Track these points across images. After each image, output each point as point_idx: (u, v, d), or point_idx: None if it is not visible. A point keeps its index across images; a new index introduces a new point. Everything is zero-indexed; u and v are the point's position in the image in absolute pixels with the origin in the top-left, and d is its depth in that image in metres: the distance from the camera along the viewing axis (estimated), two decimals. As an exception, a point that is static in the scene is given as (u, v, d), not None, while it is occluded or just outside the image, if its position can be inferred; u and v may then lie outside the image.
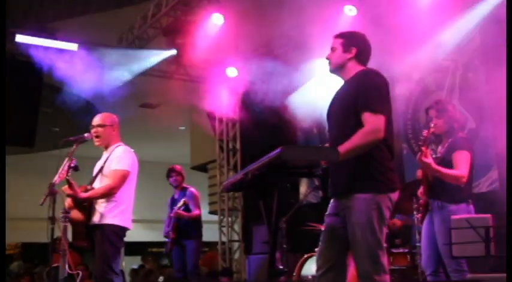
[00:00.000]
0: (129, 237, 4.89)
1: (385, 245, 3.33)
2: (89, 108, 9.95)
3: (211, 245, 12.77)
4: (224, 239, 11.09)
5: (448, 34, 7.35)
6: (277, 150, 2.76)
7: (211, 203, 12.67)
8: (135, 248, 16.78)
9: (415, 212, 5.54)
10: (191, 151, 14.39)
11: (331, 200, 3.48)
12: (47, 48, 8.91)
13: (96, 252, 4.69)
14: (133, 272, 13.20)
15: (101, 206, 4.75)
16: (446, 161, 4.74)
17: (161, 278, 11.26)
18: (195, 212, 7.46)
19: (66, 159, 4.77)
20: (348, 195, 3.28)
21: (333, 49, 3.61)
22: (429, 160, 4.65)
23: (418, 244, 5.63)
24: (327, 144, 3.52)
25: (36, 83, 8.97)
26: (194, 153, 14.22)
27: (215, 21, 9.01)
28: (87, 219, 4.74)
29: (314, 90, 9.20)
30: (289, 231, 7.09)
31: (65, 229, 4.92)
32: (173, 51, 9.63)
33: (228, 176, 10.89)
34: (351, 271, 3.54)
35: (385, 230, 3.29)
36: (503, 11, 6.21)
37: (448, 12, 7.32)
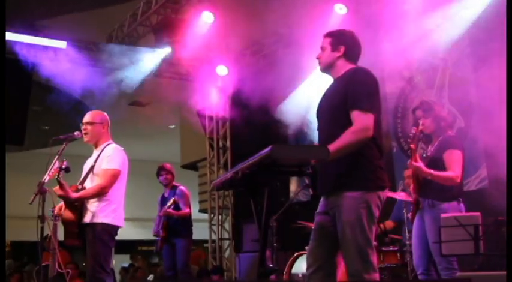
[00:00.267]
0: (119, 235, 4.88)
1: (374, 243, 3.34)
2: (78, 106, 9.91)
3: (198, 243, 12.77)
4: (214, 237, 11.08)
5: (438, 33, 7.37)
6: (268, 148, 2.76)
7: (201, 202, 12.66)
8: (125, 247, 16.76)
9: (405, 211, 5.57)
10: (181, 149, 14.37)
11: (321, 198, 3.49)
12: (35, 46, 8.87)
13: (88, 251, 4.68)
14: (123, 270, 13.17)
15: (92, 205, 4.74)
16: (436, 160, 4.76)
17: (151, 277, 11.26)
18: (185, 210, 7.46)
19: (56, 157, 4.76)
20: (337, 193, 3.29)
21: (322, 48, 3.62)
22: (419, 164, 4.68)
23: (408, 242, 5.66)
24: (317, 143, 3.53)
25: (26, 81, 8.92)
26: (184, 151, 14.20)
27: (205, 19, 9.00)
28: (78, 219, 4.74)
29: (304, 89, 9.24)
30: (280, 229, 7.09)
31: (54, 228, 4.91)
32: (168, 49, 9.58)
33: (218, 175, 10.88)
34: (341, 269, 3.55)
35: (374, 229, 3.30)
36: (494, 9, 6.25)
37: (438, 10, 7.35)
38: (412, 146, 4.72)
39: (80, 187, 4.81)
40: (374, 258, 3.24)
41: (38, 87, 9.45)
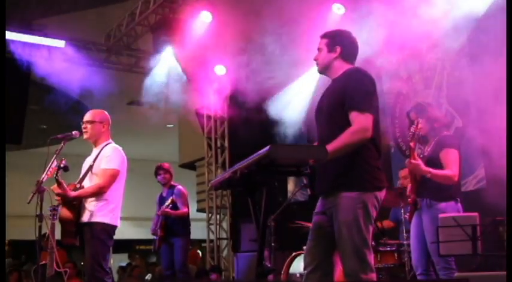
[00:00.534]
0: (117, 234, 4.89)
1: (372, 243, 3.34)
2: (76, 106, 9.92)
3: (195, 243, 12.78)
4: (212, 236, 11.08)
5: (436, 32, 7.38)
6: (266, 148, 2.76)
7: (199, 201, 12.65)
8: (123, 246, 16.75)
9: (402, 211, 5.57)
10: (179, 149, 14.36)
11: (319, 198, 3.50)
12: (33, 45, 8.87)
13: (86, 250, 4.68)
14: (121, 269, 13.17)
15: (90, 204, 4.74)
16: (433, 159, 4.77)
17: (149, 276, 11.27)
18: (183, 210, 7.46)
19: (54, 156, 4.77)
20: (335, 193, 3.29)
21: (319, 50, 3.62)
22: (418, 161, 4.69)
23: (405, 242, 5.66)
24: (315, 143, 3.53)
25: (23, 80, 8.92)
26: (182, 151, 14.20)
27: (203, 18, 9.00)
28: (76, 218, 4.74)
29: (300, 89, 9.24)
30: (278, 229, 7.10)
31: (52, 227, 4.91)
32: (169, 49, 9.59)
33: (216, 174, 10.88)
34: (339, 269, 3.55)
35: (371, 229, 3.30)
36: (492, 9, 6.25)
37: (436, 10, 7.35)
38: (412, 144, 4.73)
39: (78, 186, 4.81)
40: (371, 258, 3.25)
41: (36, 86, 9.45)
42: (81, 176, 4.97)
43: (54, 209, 5.03)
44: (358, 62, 3.63)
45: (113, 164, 4.81)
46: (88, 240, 4.68)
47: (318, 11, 8.52)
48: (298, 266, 6.79)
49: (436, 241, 4.55)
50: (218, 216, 11.10)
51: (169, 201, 7.31)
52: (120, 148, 4.97)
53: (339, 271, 3.76)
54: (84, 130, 4.96)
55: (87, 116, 5.00)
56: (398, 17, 7.41)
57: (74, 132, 4.97)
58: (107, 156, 4.82)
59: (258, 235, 2.96)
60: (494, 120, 5.80)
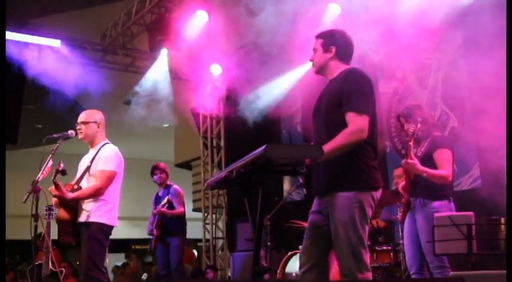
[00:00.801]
0: (113, 234, 4.89)
1: (368, 242, 3.35)
2: (72, 105, 9.90)
3: (190, 242, 12.77)
4: (208, 236, 11.09)
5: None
6: (262, 147, 2.76)
7: (195, 201, 12.67)
8: (119, 245, 16.72)
9: (399, 209, 5.59)
10: (175, 148, 14.37)
11: (315, 198, 3.50)
12: (29, 44, 8.86)
13: (82, 249, 4.69)
14: (117, 268, 13.17)
15: (88, 204, 4.75)
16: (427, 160, 4.80)
17: (145, 275, 11.27)
18: (179, 209, 7.45)
19: (50, 156, 4.78)
20: (331, 193, 3.30)
21: (314, 50, 3.62)
22: (414, 160, 4.72)
23: (401, 241, 5.68)
24: (312, 143, 3.54)
25: (19, 79, 8.91)
26: (178, 150, 14.21)
27: (199, 18, 9.00)
28: (73, 218, 4.75)
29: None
30: (274, 228, 7.10)
31: (48, 226, 4.91)
32: (164, 51, 9.62)
33: (212, 174, 10.89)
34: (335, 268, 3.56)
35: (367, 228, 3.31)
36: (486, 8, 6.27)
37: (430, 11, 7.37)
38: (411, 143, 4.76)
39: (75, 187, 4.82)
40: (367, 258, 3.25)
41: (32, 85, 9.43)
42: (77, 175, 4.98)
43: (49, 208, 5.04)
44: (353, 62, 3.63)
45: (110, 166, 4.82)
46: (85, 240, 4.69)
47: (314, 11, 8.52)
48: (294, 265, 6.79)
49: (431, 240, 4.57)
50: (214, 216, 11.11)
51: (165, 200, 7.31)
52: (117, 148, 4.97)
53: (334, 270, 3.77)
54: (78, 131, 4.97)
55: (82, 117, 5.00)
56: (393, 17, 7.44)
57: (69, 132, 4.98)
58: (104, 158, 4.83)
59: (254, 234, 2.97)
60: (489, 120, 5.82)
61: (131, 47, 10.17)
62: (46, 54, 9.01)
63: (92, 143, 5.00)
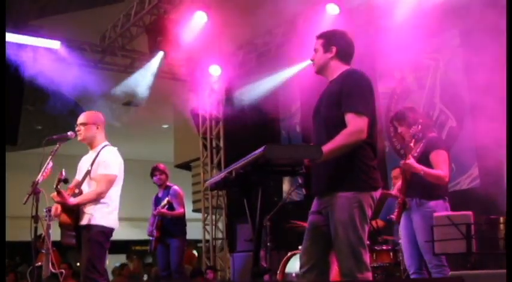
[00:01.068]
0: (113, 235, 4.90)
1: (367, 242, 3.36)
2: (71, 106, 9.90)
3: (191, 243, 12.78)
4: (208, 237, 11.09)
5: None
6: (262, 148, 2.77)
7: (195, 201, 12.67)
8: (119, 246, 16.73)
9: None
10: (174, 149, 14.37)
11: (315, 198, 3.51)
12: (28, 46, 8.86)
13: (83, 251, 4.70)
14: (115, 270, 13.16)
15: (89, 208, 4.76)
16: (423, 161, 4.83)
17: (145, 277, 11.27)
18: (179, 210, 7.46)
19: (50, 157, 4.79)
20: (331, 193, 3.31)
21: (315, 50, 3.63)
22: (411, 160, 4.74)
23: (400, 241, 5.68)
24: (311, 144, 3.55)
25: (18, 80, 8.91)
26: (178, 151, 14.21)
27: (198, 19, 9.00)
28: (75, 222, 4.76)
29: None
30: (273, 229, 7.10)
31: (48, 228, 4.92)
32: (160, 54, 9.62)
33: (211, 174, 10.89)
34: (335, 268, 3.57)
35: (367, 228, 3.32)
36: (485, 10, 6.28)
37: (429, 12, 7.39)
38: (411, 144, 4.78)
39: (77, 191, 4.82)
40: (367, 258, 3.26)
41: (31, 87, 9.44)
42: (77, 176, 5.00)
43: (49, 210, 5.05)
44: (353, 62, 3.64)
45: (111, 169, 4.84)
46: (85, 242, 4.70)
47: (313, 11, 8.54)
48: (294, 265, 6.80)
49: (430, 240, 4.58)
50: (214, 217, 11.11)
51: (165, 201, 7.31)
52: (116, 151, 4.98)
53: (334, 270, 3.78)
54: (78, 132, 4.98)
55: (81, 118, 5.01)
56: (392, 17, 7.46)
57: (69, 133, 4.99)
58: (104, 162, 4.85)
59: (254, 235, 2.97)
60: (488, 120, 5.84)
61: (130, 48, 10.17)
62: (45, 56, 9.01)
63: (91, 145, 5.01)
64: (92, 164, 4.88)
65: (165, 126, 15.39)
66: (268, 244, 6.99)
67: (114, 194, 4.88)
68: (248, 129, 9.61)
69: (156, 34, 9.15)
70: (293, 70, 9.28)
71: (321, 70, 3.62)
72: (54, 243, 5.04)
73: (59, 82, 8.75)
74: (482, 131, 5.99)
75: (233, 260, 9.40)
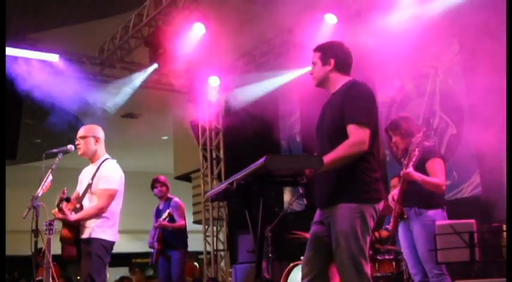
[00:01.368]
0: (114, 248, 4.88)
1: (370, 252, 3.34)
2: (70, 119, 9.90)
3: (192, 255, 12.74)
4: (209, 248, 11.05)
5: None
6: (262, 159, 2.76)
7: (195, 213, 12.63)
8: (120, 259, 16.67)
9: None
10: (174, 161, 14.36)
11: (317, 208, 3.50)
12: (27, 59, 8.87)
13: (83, 265, 4.68)
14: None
15: (90, 221, 4.74)
16: (418, 170, 4.83)
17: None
18: (180, 222, 7.44)
19: (49, 171, 4.79)
20: (333, 204, 3.30)
21: (313, 64, 3.62)
22: (410, 169, 4.75)
23: (403, 250, 5.66)
24: (315, 154, 3.54)
25: (18, 94, 8.91)
26: (177, 163, 14.19)
27: (197, 30, 9.02)
28: (76, 236, 4.74)
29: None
30: (275, 239, 7.08)
31: (48, 242, 4.89)
32: (155, 65, 9.64)
33: (212, 186, 10.87)
34: (336, 279, 3.54)
35: (368, 239, 3.30)
36: (482, 17, 6.29)
37: (427, 20, 7.40)
38: (415, 152, 4.78)
39: (78, 206, 4.81)
40: (368, 269, 3.24)
41: (30, 100, 9.45)
42: (78, 189, 5.00)
43: (50, 223, 5.02)
44: (352, 72, 3.63)
45: (111, 184, 4.83)
46: (85, 256, 4.68)
47: (311, 22, 8.55)
48: (296, 276, 6.76)
49: (433, 249, 4.56)
50: (215, 228, 11.07)
51: (166, 214, 7.29)
52: (117, 165, 4.97)
53: (337, 281, 3.75)
54: (78, 146, 4.98)
55: (80, 132, 5.01)
56: (390, 26, 7.47)
57: (69, 146, 4.98)
58: (105, 176, 4.84)
59: (256, 246, 2.96)
60: (489, 127, 5.83)
61: (129, 60, 10.18)
62: (44, 69, 9.01)
63: (91, 159, 5.00)
64: (92, 178, 4.87)
65: (165, 137, 15.39)
66: (269, 255, 6.96)
67: (115, 207, 4.86)
68: (248, 139, 9.60)
69: (154, 46, 9.17)
70: (292, 80, 9.29)
71: (321, 83, 3.61)
72: (55, 257, 5.00)
73: (57, 95, 8.75)
74: (483, 138, 5.98)
75: (235, 272, 9.37)
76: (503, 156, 4.36)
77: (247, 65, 10.44)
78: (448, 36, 7.31)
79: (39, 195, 4.65)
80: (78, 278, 5.47)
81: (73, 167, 5.60)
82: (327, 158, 3.10)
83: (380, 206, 3.36)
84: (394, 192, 5.05)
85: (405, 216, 4.91)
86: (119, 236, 4.90)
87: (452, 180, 6.93)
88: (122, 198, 4.95)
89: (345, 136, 3.28)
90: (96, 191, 4.82)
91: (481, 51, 6.42)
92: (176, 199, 7.61)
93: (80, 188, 4.97)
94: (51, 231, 4.93)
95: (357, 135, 3.26)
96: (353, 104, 3.33)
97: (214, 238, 11.02)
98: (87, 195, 4.87)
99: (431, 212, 4.80)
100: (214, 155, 11.28)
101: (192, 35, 9.04)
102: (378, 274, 5.88)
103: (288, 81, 9.39)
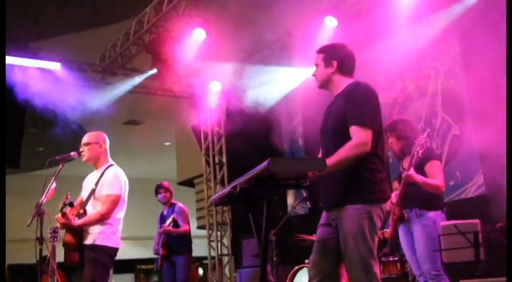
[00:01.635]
0: (119, 254, 4.88)
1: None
2: (73, 127, 9.92)
3: (196, 260, 12.73)
4: (213, 253, 11.03)
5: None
6: (265, 162, 2.76)
7: (199, 218, 12.62)
8: (125, 265, 16.67)
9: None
10: (177, 166, 14.35)
11: (323, 211, 3.49)
12: (29, 68, 8.89)
13: (85, 271, 4.67)
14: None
15: (93, 227, 4.75)
16: (417, 173, 4.84)
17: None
18: (185, 227, 7.44)
19: (53, 178, 4.78)
20: (340, 206, 3.30)
21: (316, 65, 3.63)
22: (411, 171, 4.76)
23: (405, 252, 5.66)
24: (319, 156, 3.54)
25: (20, 103, 8.93)
26: (180, 168, 14.18)
27: (197, 36, 9.03)
28: (79, 242, 4.74)
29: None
30: (279, 243, 7.08)
31: (53, 249, 4.89)
32: (154, 71, 9.65)
33: (215, 190, 10.86)
34: (345, 280, 3.54)
35: (376, 239, 3.30)
36: (483, 17, 6.29)
37: (427, 21, 7.41)
38: (420, 153, 4.78)
39: (81, 211, 4.81)
40: (377, 269, 3.24)
41: (32, 109, 9.47)
42: (82, 194, 5.00)
43: (54, 231, 5.03)
44: (354, 74, 3.64)
45: (115, 190, 4.83)
46: (88, 262, 4.67)
47: (312, 25, 8.56)
48: (300, 279, 6.76)
49: (438, 249, 4.56)
50: (219, 233, 11.06)
51: (170, 219, 7.30)
52: (121, 171, 4.97)
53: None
54: (82, 153, 4.99)
55: (84, 139, 5.03)
56: (391, 28, 7.47)
57: (72, 154, 4.99)
58: (109, 182, 4.84)
59: (260, 250, 2.95)
60: (491, 126, 5.82)
61: (130, 67, 10.20)
62: (46, 77, 9.03)
63: (95, 165, 5.01)
64: (96, 184, 4.87)
65: (167, 143, 15.40)
66: (274, 259, 6.96)
67: (118, 214, 4.87)
68: (250, 144, 9.59)
69: (156, 52, 9.18)
70: (294, 83, 9.30)
71: (324, 85, 3.62)
72: (59, 264, 5.01)
73: (59, 103, 8.76)
74: (485, 138, 5.98)
75: (240, 276, 9.36)
76: (505, 155, 4.35)
77: (248, 69, 10.44)
78: (449, 37, 7.31)
79: (43, 202, 4.66)
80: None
81: (77, 174, 5.61)
82: (330, 160, 3.10)
83: (386, 206, 3.37)
84: (392, 196, 5.06)
85: (405, 218, 4.92)
86: (121, 242, 4.91)
87: (455, 181, 6.93)
88: (125, 204, 4.95)
89: (349, 138, 3.28)
90: (99, 197, 4.83)
91: (481, 52, 6.42)
92: (180, 204, 7.62)
93: (84, 194, 4.98)
94: (55, 239, 4.94)
95: (359, 137, 3.26)
96: (355, 105, 3.33)
97: (219, 243, 11.00)
98: (90, 201, 4.87)
99: (432, 213, 4.82)
100: (217, 160, 11.27)
101: (192, 41, 9.05)
102: (383, 276, 5.87)
103: (289, 85, 9.40)
